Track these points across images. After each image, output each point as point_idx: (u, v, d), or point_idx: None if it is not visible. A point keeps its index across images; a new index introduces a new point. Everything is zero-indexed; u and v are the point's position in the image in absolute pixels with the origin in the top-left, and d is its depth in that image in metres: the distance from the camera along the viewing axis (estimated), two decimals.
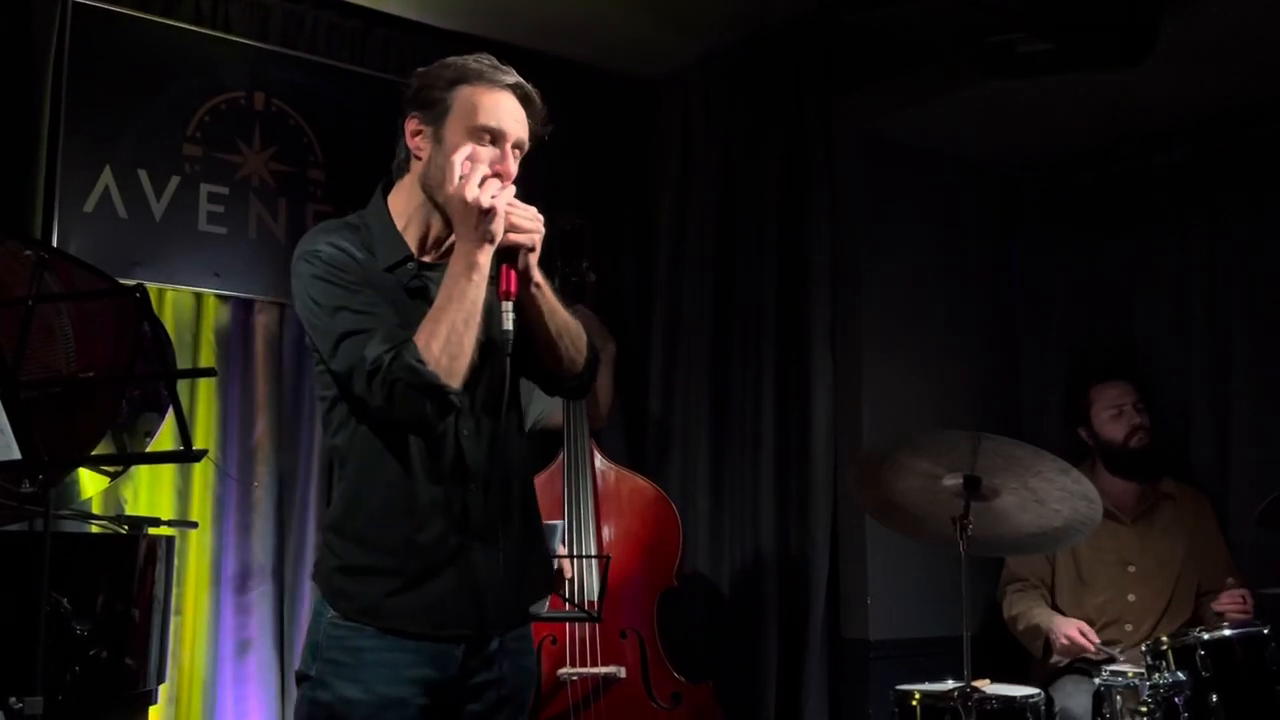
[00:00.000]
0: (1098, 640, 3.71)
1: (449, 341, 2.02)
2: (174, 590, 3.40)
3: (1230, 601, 3.64)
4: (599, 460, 3.89)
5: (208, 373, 3.68)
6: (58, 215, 3.67)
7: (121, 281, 3.16)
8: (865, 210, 4.36)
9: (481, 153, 2.12)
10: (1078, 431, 4.13)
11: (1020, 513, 3.20)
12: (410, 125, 2.20)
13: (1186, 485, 4.09)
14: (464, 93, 2.15)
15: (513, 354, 2.17)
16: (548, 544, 2.97)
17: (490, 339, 2.11)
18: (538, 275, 2.13)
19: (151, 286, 3.69)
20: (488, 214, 2.03)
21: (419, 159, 2.19)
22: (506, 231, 2.06)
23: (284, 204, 4.10)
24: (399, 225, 2.22)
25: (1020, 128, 4.38)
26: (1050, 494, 3.13)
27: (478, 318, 2.05)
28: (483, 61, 2.19)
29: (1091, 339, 4.58)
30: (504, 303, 2.06)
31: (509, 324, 2.05)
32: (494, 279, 2.08)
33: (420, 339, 2.02)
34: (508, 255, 2.08)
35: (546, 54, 4.49)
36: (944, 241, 4.60)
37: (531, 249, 2.09)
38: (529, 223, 2.10)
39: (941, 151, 4.59)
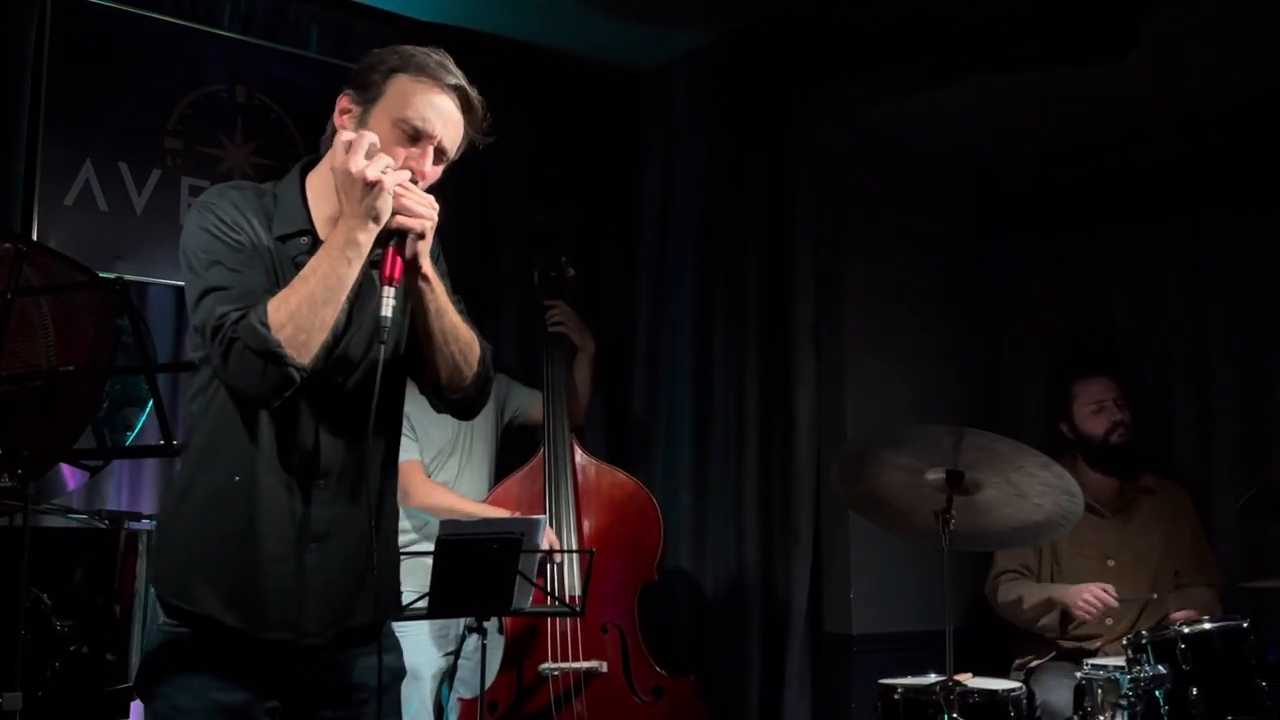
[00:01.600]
0: (1114, 592, 3.73)
1: (299, 312, 1.92)
2: None
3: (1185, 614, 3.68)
4: (579, 455, 3.89)
5: (188, 366, 3.65)
6: (37, 209, 3.64)
7: (102, 275, 3.15)
8: (848, 205, 4.37)
9: (399, 150, 2.04)
10: (1059, 426, 4.15)
11: (1002, 507, 3.21)
12: (341, 102, 2.13)
13: (1167, 480, 4.11)
14: (400, 83, 2.08)
15: (398, 358, 2.12)
16: (526, 543, 2.96)
17: (376, 327, 2.01)
18: (427, 267, 2.03)
19: (132, 280, 3.68)
20: (371, 187, 1.93)
21: (338, 134, 2.10)
22: (395, 213, 1.98)
23: None
24: (312, 202, 2.14)
25: (1003, 124, 4.40)
26: (1031, 488, 3.14)
27: (341, 296, 1.96)
28: (431, 56, 2.10)
29: (1073, 334, 4.61)
30: (385, 288, 1.97)
31: (387, 310, 1.96)
32: (379, 263, 2.00)
33: (272, 304, 1.93)
34: (395, 239, 1.99)
35: (530, 45, 4.48)
36: (927, 237, 4.61)
37: (421, 236, 1.99)
38: (422, 209, 2.00)
39: (925, 147, 4.60)
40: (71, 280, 3.01)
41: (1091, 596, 3.74)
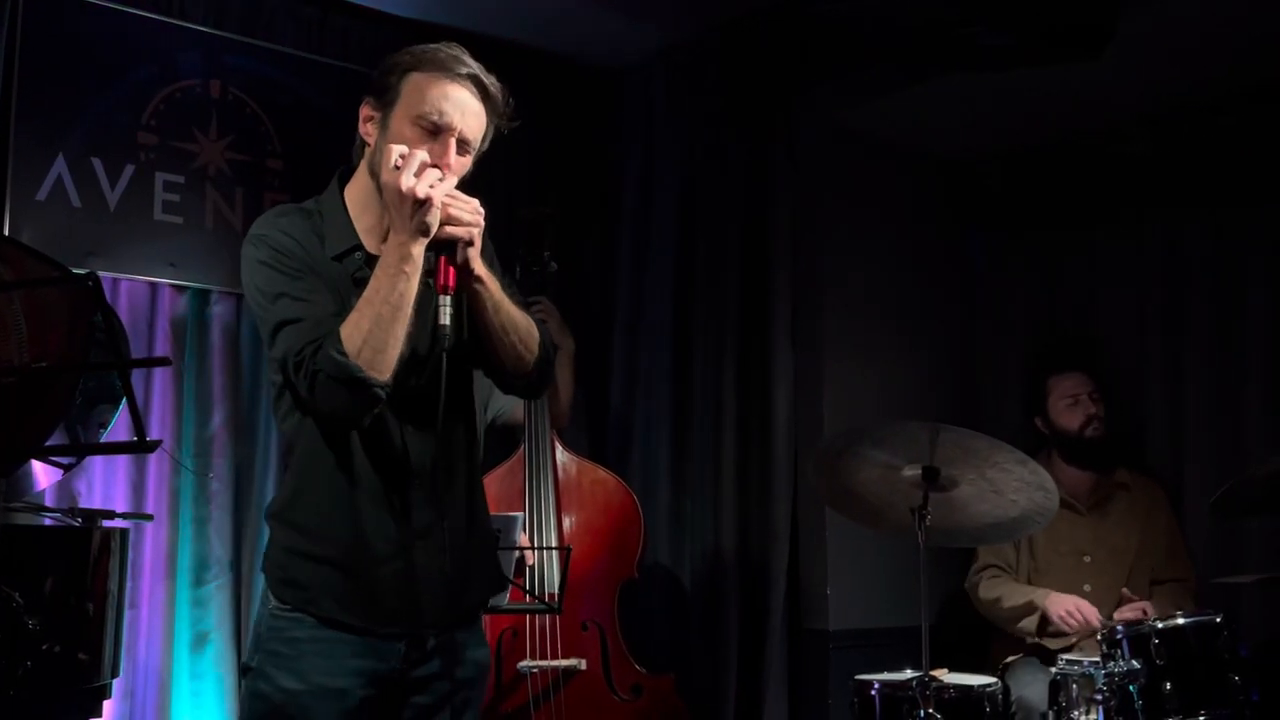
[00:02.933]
0: (1098, 613, 3.72)
1: (372, 334, 1.98)
2: (129, 583, 3.36)
3: (1132, 613, 3.68)
4: (560, 452, 3.88)
5: (161, 362, 3.64)
6: (9, 204, 3.61)
7: (75, 271, 3.12)
8: (827, 202, 4.37)
9: (421, 144, 2.08)
10: (1035, 421, 4.16)
11: (978, 503, 3.22)
12: (363, 111, 2.18)
13: (1141, 475, 4.13)
14: (414, 81, 2.12)
15: (463, 349, 2.16)
16: (503, 540, 2.95)
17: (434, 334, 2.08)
18: (480, 269, 2.09)
19: (106, 276, 3.65)
20: (423, 205, 1.98)
21: (368, 145, 2.17)
22: (443, 224, 2.02)
23: (241, 194, 4.05)
24: (353, 213, 2.19)
25: (981, 120, 4.41)
26: (1007, 484, 3.15)
27: (406, 311, 2.01)
28: (442, 51, 2.14)
29: (1049, 330, 4.63)
30: (441, 296, 2.03)
31: (445, 318, 2.02)
32: (434, 272, 2.05)
33: (344, 330, 1.99)
34: (446, 248, 2.04)
35: (509, 42, 4.47)
36: (904, 233, 4.62)
37: (469, 243, 2.05)
38: (468, 215, 2.05)
39: (902, 143, 4.61)
40: (44, 276, 2.98)
41: (1075, 609, 3.72)
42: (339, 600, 2.11)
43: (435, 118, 2.09)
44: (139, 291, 3.88)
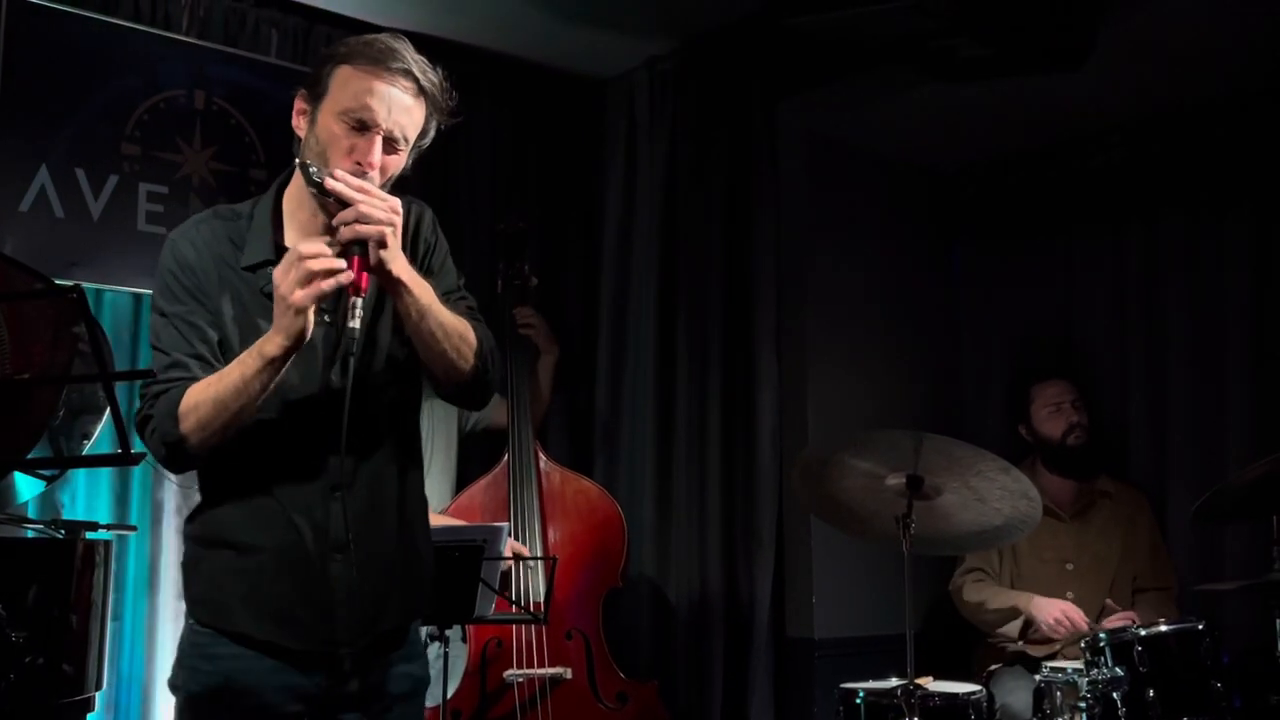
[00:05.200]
0: (1084, 616, 3.73)
1: (201, 408, 1.96)
2: (113, 596, 3.34)
3: (1121, 621, 3.69)
4: (544, 462, 3.88)
5: (146, 374, 3.61)
6: None
7: (58, 282, 3.11)
8: (809, 212, 4.39)
9: (344, 142, 2.02)
10: (1018, 429, 4.18)
11: (962, 511, 3.23)
12: (297, 103, 2.11)
13: (1124, 483, 4.15)
14: (343, 74, 2.04)
15: (402, 363, 2.13)
16: (488, 550, 2.95)
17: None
18: (399, 270, 1.97)
19: (89, 287, 3.64)
20: (300, 313, 1.91)
21: (300, 138, 2.11)
22: (354, 222, 1.93)
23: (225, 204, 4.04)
24: (288, 210, 2.13)
25: (961, 130, 4.44)
26: (991, 492, 3.16)
27: (248, 406, 1.96)
28: (379, 43, 2.05)
29: (1031, 338, 4.65)
30: (352, 298, 1.93)
31: (355, 320, 1.93)
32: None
33: (190, 391, 1.98)
34: (358, 249, 1.93)
35: (492, 52, 4.47)
36: (886, 243, 4.64)
37: (381, 243, 1.93)
38: (381, 213, 1.93)
39: (884, 154, 4.63)
40: (27, 287, 2.97)
41: (1063, 616, 3.73)
42: (252, 616, 2.04)
43: (361, 115, 2.01)
44: (122, 302, 3.86)
